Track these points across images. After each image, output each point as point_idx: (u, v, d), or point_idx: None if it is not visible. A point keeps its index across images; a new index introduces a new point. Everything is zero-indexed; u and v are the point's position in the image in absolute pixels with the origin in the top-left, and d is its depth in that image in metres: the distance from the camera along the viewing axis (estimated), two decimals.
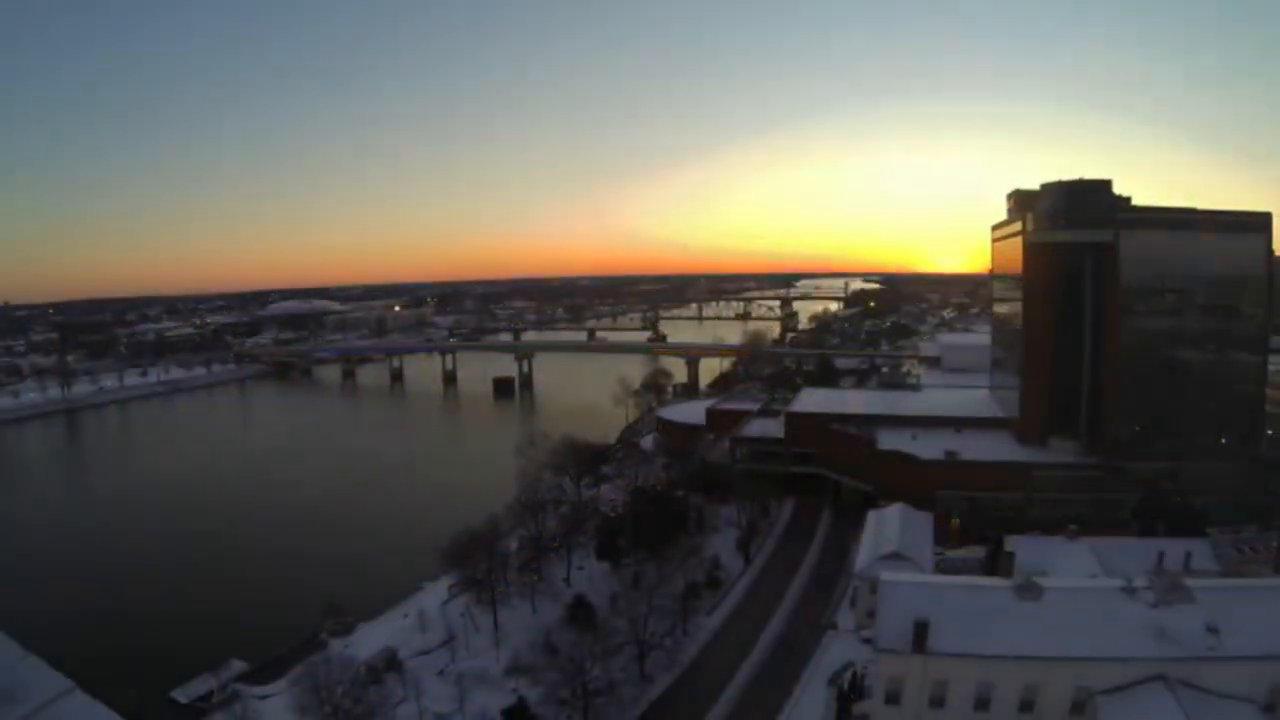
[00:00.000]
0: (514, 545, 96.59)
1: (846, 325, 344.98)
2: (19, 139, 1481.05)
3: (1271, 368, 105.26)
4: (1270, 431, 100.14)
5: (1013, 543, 70.34)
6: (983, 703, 47.51)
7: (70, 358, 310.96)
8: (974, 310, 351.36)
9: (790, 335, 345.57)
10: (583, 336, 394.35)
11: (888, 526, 79.22)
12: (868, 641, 59.95)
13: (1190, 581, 51.88)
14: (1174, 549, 67.21)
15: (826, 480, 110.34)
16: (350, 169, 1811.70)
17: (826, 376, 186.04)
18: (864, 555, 75.20)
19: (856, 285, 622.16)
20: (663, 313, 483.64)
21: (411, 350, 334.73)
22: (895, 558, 70.91)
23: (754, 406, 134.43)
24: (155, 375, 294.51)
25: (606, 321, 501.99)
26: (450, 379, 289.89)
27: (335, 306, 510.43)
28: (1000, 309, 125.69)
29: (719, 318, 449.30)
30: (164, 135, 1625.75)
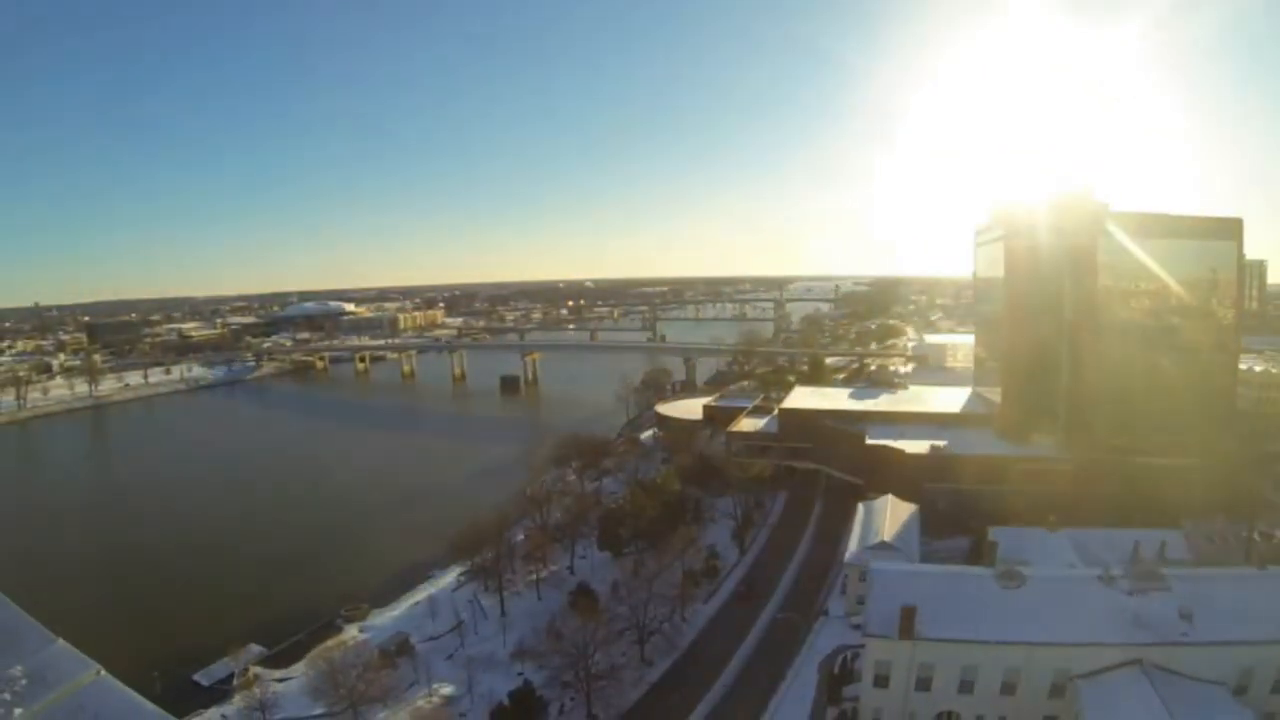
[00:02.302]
0: (520, 535, 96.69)
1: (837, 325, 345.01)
2: (47, 148, 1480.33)
3: (1242, 366, 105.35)
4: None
5: (995, 533, 70.29)
6: (967, 686, 47.52)
7: (98, 356, 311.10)
8: (959, 312, 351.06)
9: (783, 335, 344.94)
10: (586, 337, 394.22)
11: (876, 518, 79.17)
12: (857, 627, 59.92)
13: (1165, 570, 51.96)
14: (1149, 539, 67.27)
15: (818, 474, 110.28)
16: (363, 177, 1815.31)
17: (818, 375, 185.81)
18: (854, 545, 75.10)
19: (847, 287, 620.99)
20: (662, 313, 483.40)
21: (423, 349, 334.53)
22: (884, 547, 70.93)
23: (749, 403, 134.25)
24: (178, 373, 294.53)
25: (608, 322, 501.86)
26: (460, 376, 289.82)
27: (350, 308, 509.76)
28: (984, 311, 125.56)
29: (716, 319, 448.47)
30: (187, 144, 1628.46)
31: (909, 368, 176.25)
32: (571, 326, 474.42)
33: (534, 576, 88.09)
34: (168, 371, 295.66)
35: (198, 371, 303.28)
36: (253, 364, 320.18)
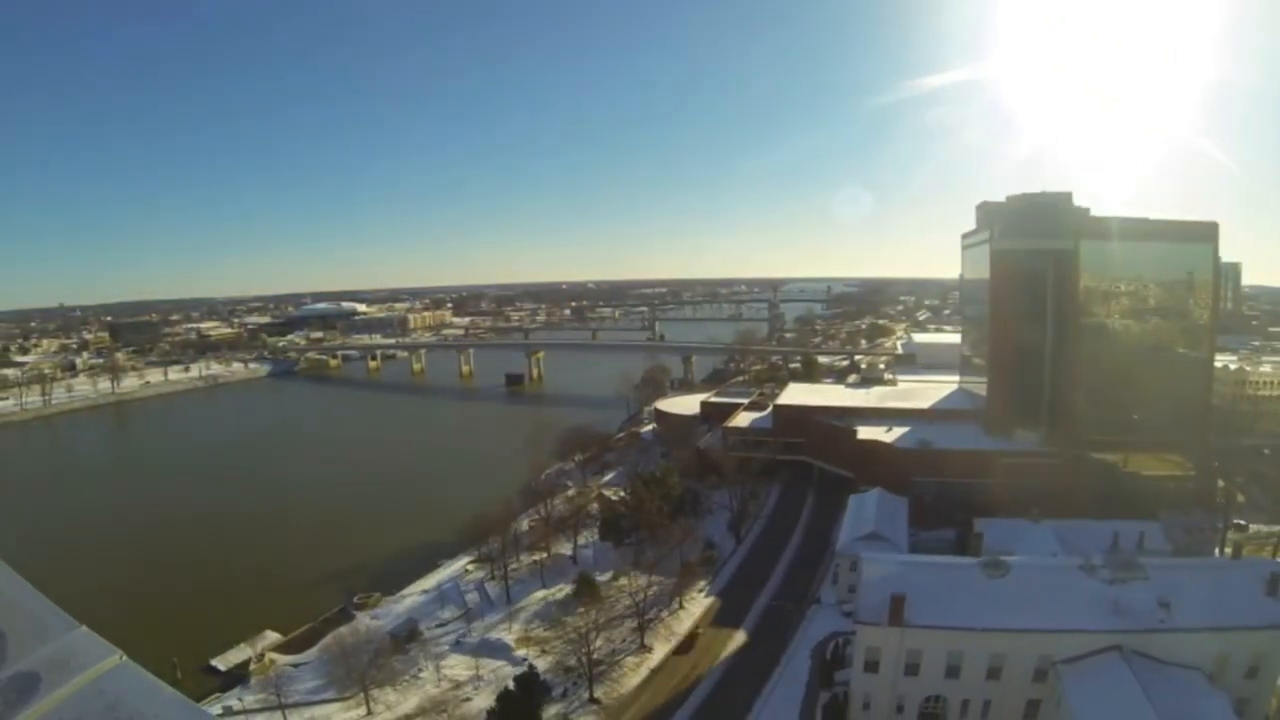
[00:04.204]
0: (525, 526, 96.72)
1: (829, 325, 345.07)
2: (71, 155, 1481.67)
3: (1217, 364, 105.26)
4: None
5: (981, 524, 70.34)
6: (953, 670, 47.59)
7: (119, 355, 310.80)
8: (945, 312, 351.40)
9: (778, 334, 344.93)
10: (588, 336, 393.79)
11: (866, 509, 79.27)
12: (849, 615, 60.05)
13: (1143, 560, 52.03)
14: (1128, 530, 67.33)
15: (810, 467, 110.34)
16: (374, 183, 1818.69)
17: (810, 372, 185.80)
18: (845, 536, 75.25)
19: (838, 289, 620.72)
20: (661, 314, 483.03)
21: (432, 347, 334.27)
22: (873, 538, 71.03)
23: (744, 400, 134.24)
24: (196, 371, 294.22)
25: (609, 322, 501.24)
26: (467, 374, 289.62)
27: (362, 308, 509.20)
28: (969, 311, 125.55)
29: (713, 319, 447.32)
30: (206, 152, 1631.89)
31: (897, 366, 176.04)
32: (574, 326, 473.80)
33: (538, 565, 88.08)
34: (186, 369, 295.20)
35: (253, 366, 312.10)
36: (295, 360, 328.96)
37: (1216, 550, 72.43)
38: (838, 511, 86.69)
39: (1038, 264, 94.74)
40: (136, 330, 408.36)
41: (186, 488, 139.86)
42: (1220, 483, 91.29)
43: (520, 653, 68.41)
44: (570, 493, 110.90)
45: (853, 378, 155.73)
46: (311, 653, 71.96)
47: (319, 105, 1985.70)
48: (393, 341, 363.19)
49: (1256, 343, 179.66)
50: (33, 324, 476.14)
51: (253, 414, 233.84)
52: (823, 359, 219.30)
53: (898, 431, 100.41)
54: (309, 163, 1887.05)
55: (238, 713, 62.37)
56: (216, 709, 61.82)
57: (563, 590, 79.47)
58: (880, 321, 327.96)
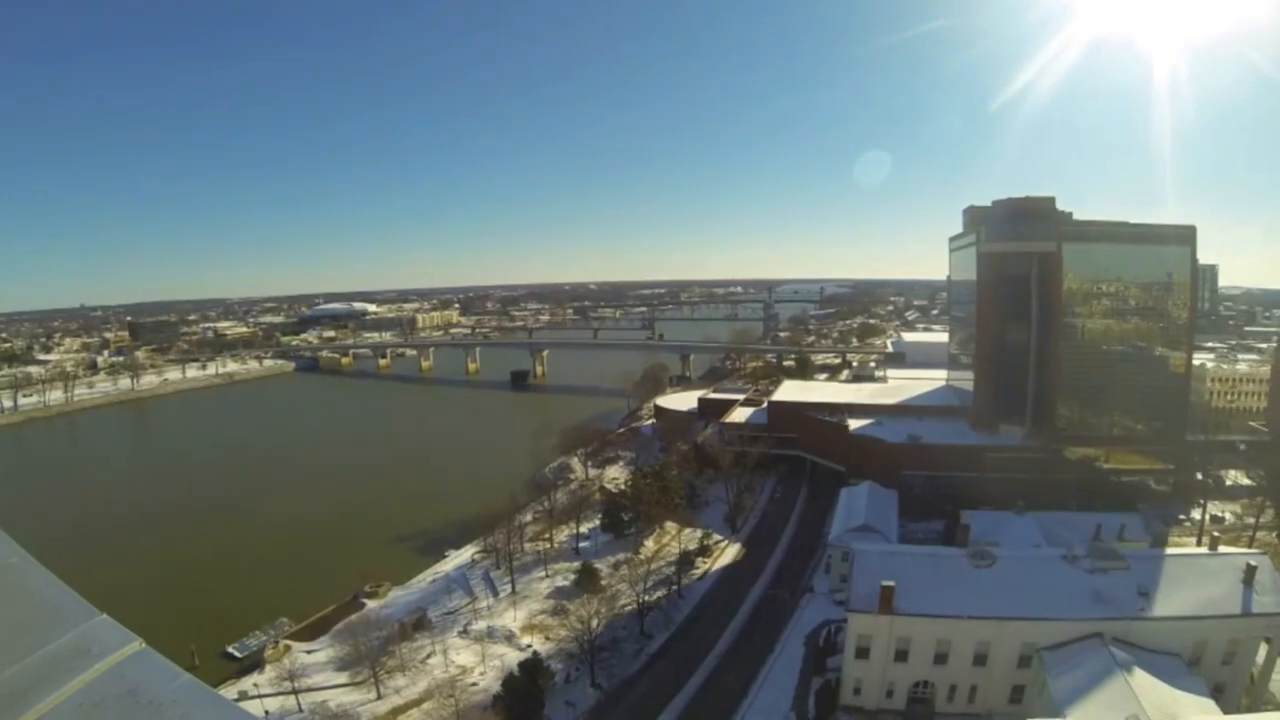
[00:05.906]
0: (529, 518, 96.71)
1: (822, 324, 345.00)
2: (94, 162, 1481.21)
3: (1195, 362, 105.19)
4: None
5: (968, 516, 70.34)
6: (941, 657, 47.65)
7: (139, 353, 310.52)
8: (934, 312, 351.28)
9: (772, 334, 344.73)
10: (589, 335, 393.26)
11: (858, 502, 79.18)
12: (841, 603, 59.99)
13: (1124, 550, 52.05)
14: (1109, 522, 67.37)
15: (804, 461, 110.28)
16: (384, 188, 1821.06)
17: (804, 370, 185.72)
18: (837, 527, 75.17)
19: (831, 289, 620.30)
20: (660, 314, 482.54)
21: (440, 346, 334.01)
22: (864, 529, 70.94)
23: (740, 396, 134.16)
24: (213, 368, 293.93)
25: (610, 322, 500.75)
26: (474, 371, 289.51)
27: (372, 308, 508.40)
28: (956, 311, 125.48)
29: (710, 318, 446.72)
30: (222, 158, 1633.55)
31: (887, 364, 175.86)
32: (577, 325, 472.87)
33: (542, 555, 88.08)
34: (203, 367, 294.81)
35: (281, 362, 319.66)
36: (314, 358, 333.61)
37: (1194, 542, 72.48)
38: (830, 504, 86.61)
39: (1022, 266, 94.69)
40: (155, 330, 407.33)
41: (203, 480, 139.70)
42: (1198, 476, 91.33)
43: (524, 639, 68.44)
44: (574, 485, 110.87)
45: (845, 375, 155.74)
46: (324, 639, 71.98)
47: (331, 116, 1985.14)
48: (403, 340, 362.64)
49: (1233, 341, 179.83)
50: (55, 324, 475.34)
51: (265, 412, 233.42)
52: (816, 357, 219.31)
53: (888, 427, 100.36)
54: (321, 169, 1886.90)
55: (253, 697, 62.37)
56: (232, 693, 61.79)
57: (566, 579, 79.48)
58: (871, 321, 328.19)
